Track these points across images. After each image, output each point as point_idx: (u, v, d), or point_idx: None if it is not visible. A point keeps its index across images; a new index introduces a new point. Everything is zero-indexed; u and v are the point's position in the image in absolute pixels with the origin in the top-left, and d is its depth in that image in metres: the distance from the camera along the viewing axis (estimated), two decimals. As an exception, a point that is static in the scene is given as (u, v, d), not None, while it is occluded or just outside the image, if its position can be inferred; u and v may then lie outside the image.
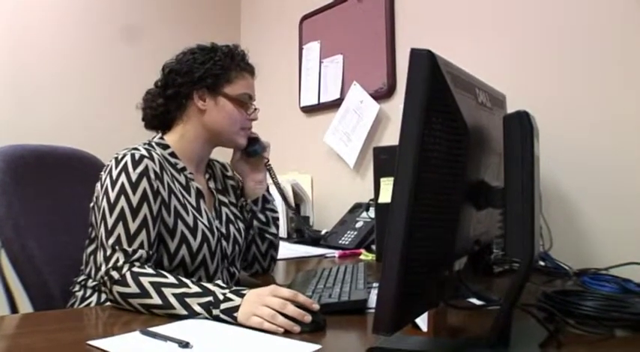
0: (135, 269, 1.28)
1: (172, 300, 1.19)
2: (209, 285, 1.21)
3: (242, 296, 1.16)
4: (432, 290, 0.90)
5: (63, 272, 1.60)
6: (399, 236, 0.77)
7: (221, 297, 1.17)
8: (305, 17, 3.13)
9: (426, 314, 1.01)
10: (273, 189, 1.79)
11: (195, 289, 1.20)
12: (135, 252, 1.32)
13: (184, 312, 1.18)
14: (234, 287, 1.21)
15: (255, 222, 1.71)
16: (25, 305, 1.56)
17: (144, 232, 1.35)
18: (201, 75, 1.54)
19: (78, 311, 1.43)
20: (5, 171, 1.61)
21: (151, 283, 1.23)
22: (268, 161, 1.71)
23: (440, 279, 0.91)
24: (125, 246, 1.32)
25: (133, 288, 1.24)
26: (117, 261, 1.30)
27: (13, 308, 1.59)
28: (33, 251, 1.56)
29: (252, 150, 1.67)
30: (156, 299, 1.21)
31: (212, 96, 1.55)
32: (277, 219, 1.77)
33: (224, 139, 1.60)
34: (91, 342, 1.01)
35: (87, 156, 1.91)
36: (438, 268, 0.89)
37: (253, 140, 1.67)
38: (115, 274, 1.28)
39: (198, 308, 1.17)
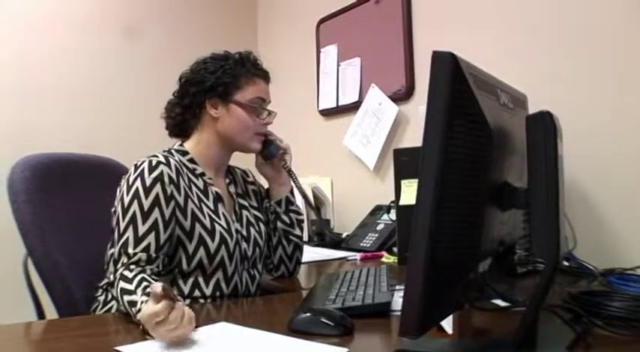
0: (125, 272, 1.33)
1: (129, 309, 1.23)
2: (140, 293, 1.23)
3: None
4: (457, 292, 0.90)
5: (87, 277, 1.62)
6: (424, 238, 0.78)
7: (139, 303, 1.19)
8: (322, 20, 3.13)
9: (451, 316, 1.01)
10: (295, 192, 1.80)
11: (138, 296, 1.22)
12: (135, 254, 1.37)
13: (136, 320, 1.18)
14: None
15: (279, 224, 1.72)
16: (51, 310, 1.59)
17: (152, 235, 1.39)
18: (212, 84, 1.57)
19: (103, 316, 1.45)
20: (30, 179, 1.64)
21: (120, 289, 1.28)
22: (286, 163, 1.73)
23: (465, 281, 0.91)
24: (129, 249, 1.37)
25: (115, 292, 1.31)
26: (121, 263, 1.36)
27: (40, 314, 1.62)
28: (57, 258, 1.59)
29: (267, 153, 1.69)
30: (122, 307, 1.27)
31: (224, 104, 1.58)
32: (302, 221, 1.78)
33: (238, 145, 1.63)
34: (119, 348, 1.02)
35: (112, 162, 1.94)
36: (463, 270, 0.89)
37: (268, 143, 1.68)
38: (111, 277, 1.35)
39: (137, 319, 1.16)
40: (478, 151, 0.84)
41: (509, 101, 1.02)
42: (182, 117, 1.62)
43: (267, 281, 1.75)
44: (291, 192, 1.77)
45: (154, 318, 1.03)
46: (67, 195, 1.74)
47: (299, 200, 1.84)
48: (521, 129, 0.91)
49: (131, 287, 1.27)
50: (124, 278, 1.31)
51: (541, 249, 0.86)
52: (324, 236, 2.59)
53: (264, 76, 1.65)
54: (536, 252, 0.88)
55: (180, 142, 1.64)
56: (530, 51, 2.00)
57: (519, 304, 1.10)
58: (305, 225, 2.57)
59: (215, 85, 1.57)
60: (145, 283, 1.26)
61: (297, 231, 1.76)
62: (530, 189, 0.89)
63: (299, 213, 1.77)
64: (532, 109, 0.97)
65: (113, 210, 1.51)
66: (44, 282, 1.57)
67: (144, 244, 1.38)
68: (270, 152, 1.69)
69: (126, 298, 1.25)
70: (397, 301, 1.25)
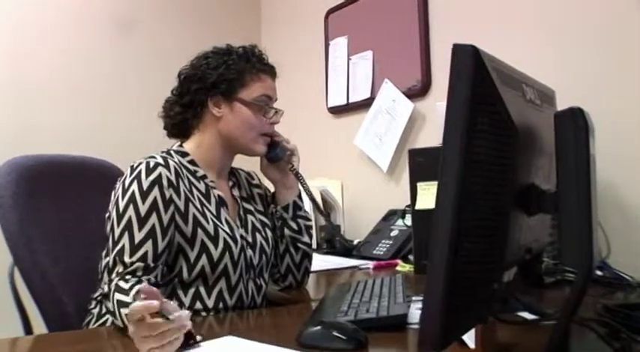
0: (120, 283, 1.33)
1: (126, 321, 1.21)
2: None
3: None
4: (480, 303, 0.90)
5: (79, 288, 1.63)
6: (445, 246, 0.77)
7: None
8: (331, 11, 3.14)
9: (474, 329, 1.01)
10: (303, 196, 1.80)
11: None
12: (132, 264, 1.37)
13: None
14: None
15: (286, 231, 1.72)
16: (40, 324, 1.59)
17: (149, 243, 1.40)
18: (215, 81, 1.57)
19: (97, 331, 1.46)
20: (17, 182, 1.64)
21: (117, 301, 1.28)
22: (293, 166, 1.72)
23: (488, 292, 0.91)
24: (125, 258, 1.38)
25: (110, 305, 1.30)
26: (116, 273, 1.36)
27: (27, 329, 1.62)
28: (46, 267, 1.59)
29: (273, 156, 1.69)
30: (118, 320, 1.27)
31: (227, 102, 1.58)
32: (310, 227, 1.78)
33: (241, 147, 1.63)
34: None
35: (105, 164, 1.95)
36: (486, 280, 0.88)
37: (274, 144, 1.68)
38: (105, 287, 1.35)
39: None
40: (503, 152, 0.83)
41: (536, 97, 1.02)
42: (182, 117, 1.62)
43: (274, 292, 1.75)
44: (299, 196, 1.77)
45: (137, 333, 1.05)
46: (57, 200, 1.74)
47: (307, 204, 1.84)
48: (549, 127, 0.91)
49: (128, 299, 1.26)
50: (119, 289, 1.31)
51: (572, 258, 0.85)
52: (334, 243, 2.59)
53: (270, 72, 1.64)
54: (566, 261, 0.88)
55: (179, 143, 1.64)
56: (558, 42, 1.99)
57: (549, 317, 1.10)
58: (313, 232, 2.56)
59: (218, 81, 1.57)
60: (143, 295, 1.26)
61: (306, 238, 1.75)
62: (559, 191, 0.88)
63: (308, 219, 1.77)
64: (561, 106, 0.97)
65: (107, 215, 1.52)
66: (32, 294, 1.57)
67: (140, 252, 1.38)
68: (277, 154, 1.69)
69: (124, 311, 1.24)
70: (414, 313, 1.26)
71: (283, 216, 1.73)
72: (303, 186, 1.76)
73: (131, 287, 1.30)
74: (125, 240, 1.39)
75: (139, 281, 1.35)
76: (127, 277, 1.35)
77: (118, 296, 1.29)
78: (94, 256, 1.59)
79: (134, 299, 1.22)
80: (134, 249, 1.38)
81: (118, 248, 1.39)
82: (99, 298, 1.54)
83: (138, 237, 1.39)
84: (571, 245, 0.85)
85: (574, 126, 0.86)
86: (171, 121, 1.64)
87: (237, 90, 1.58)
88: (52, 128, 3.00)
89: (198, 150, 1.61)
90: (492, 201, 0.84)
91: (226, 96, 1.58)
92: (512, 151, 0.85)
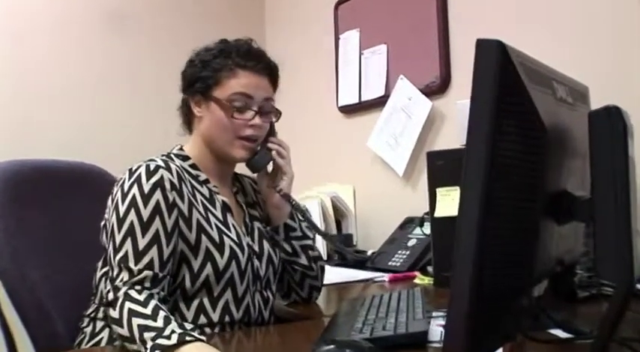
0: (131, 292, 1.32)
1: (135, 333, 1.23)
2: (173, 321, 1.24)
3: (185, 342, 1.18)
4: (508, 320, 0.89)
5: (70, 304, 1.63)
6: (469, 257, 0.77)
7: (166, 332, 1.20)
8: (340, 1, 3.14)
9: (502, 348, 1.00)
10: (308, 202, 1.78)
11: (159, 324, 1.23)
12: (140, 271, 1.37)
13: (142, 349, 1.20)
14: (189, 332, 1.21)
15: (279, 253, 1.69)
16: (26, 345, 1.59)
17: (154, 249, 1.39)
18: (191, 79, 1.60)
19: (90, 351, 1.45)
20: (2, 190, 1.65)
21: (129, 310, 1.28)
22: (273, 183, 1.66)
23: (517, 307, 0.91)
24: (131, 265, 1.37)
25: (116, 313, 1.29)
26: (121, 280, 1.36)
27: (12, 349, 1.62)
28: (34, 281, 1.59)
29: (251, 164, 1.64)
30: (125, 330, 1.26)
31: (205, 101, 1.59)
32: (309, 246, 1.71)
33: (218, 150, 1.60)
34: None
35: (95, 169, 1.95)
36: (515, 294, 0.88)
37: (259, 151, 1.63)
38: (110, 295, 1.33)
39: (149, 345, 1.19)
40: (531, 154, 0.83)
41: (568, 95, 1.01)
42: (184, 117, 1.66)
43: (281, 307, 1.74)
44: (291, 215, 1.70)
45: None
46: (45, 208, 1.75)
47: (313, 210, 1.81)
48: (582, 128, 0.91)
49: (146, 311, 1.26)
50: (131, 299, 1.30)
51: (609, 270, 0.85)
52: (346, 254, 2.58)
53: (255, 68, 1.58)
54: (602, 274, 0.87)
55: (180, 146, 1.64)
56: (590, 34, 1.98)
57: (584, 335, 1.09)
58: (321, 245, 2.55)
59: (194, 80, 1.59)
60: (162, 312, 1.27)
61: (303, 260, 1.69)
62: (594, 198, 0.88)
63: (305, 237, 1.71)
64: (595, 104, 0.97)
65: (103, 223, 1.52)
66: (18, 310, 1.57)
67: (146, 259, 1.38)
68: (257, 162, 1.64)
69: (137, 320, 1.24)
70: (435, 330, 1.26)
71: (275, 237, 1.69)
72: (296, 210, 1.69)
73: (146, 300, 1.30)
74: (128, 246, 1.38)
75: (151, 296, 1.34)
76: (137, 287, 1.35)
77: (131, 305, 1.28)
78: (87, 270, 1.59)
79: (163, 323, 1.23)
80: (138, 256, 1.38)
81: (120, 255, 1.38)
82: (93, 315, 1.55)
83: (142, 243, 1.39)
84: (608, 256, 0.84)
85: (610, 127, 0.86)
86: (181, 121, 1.68)
87: (212, 89, 1.57)
88: (44, 130, 3.03)
89: (194, 153, 1.62)
90: (520, 209, 0.84)
91: (204, 95, 1.58)
92: (541, 154, 0.85)
